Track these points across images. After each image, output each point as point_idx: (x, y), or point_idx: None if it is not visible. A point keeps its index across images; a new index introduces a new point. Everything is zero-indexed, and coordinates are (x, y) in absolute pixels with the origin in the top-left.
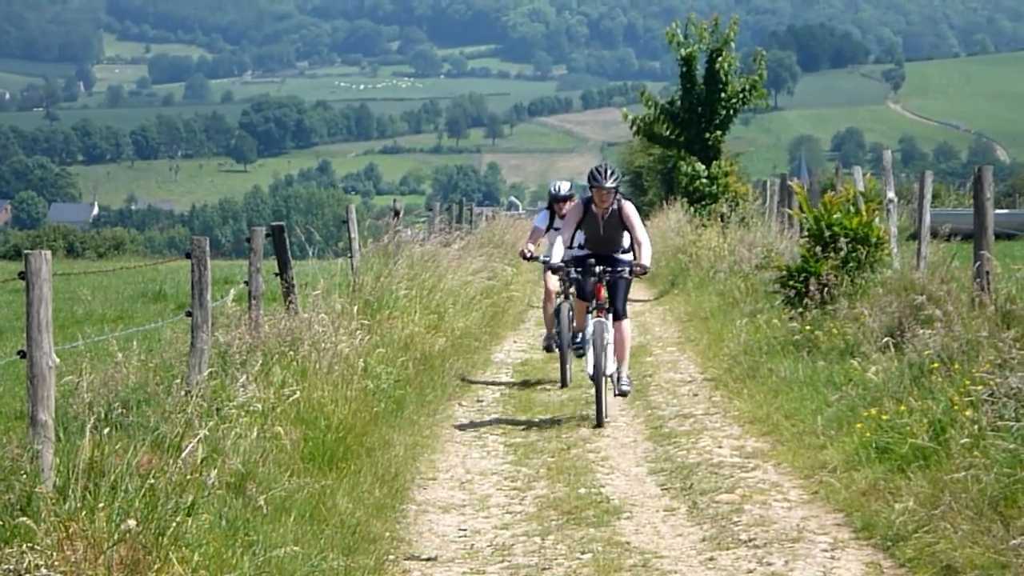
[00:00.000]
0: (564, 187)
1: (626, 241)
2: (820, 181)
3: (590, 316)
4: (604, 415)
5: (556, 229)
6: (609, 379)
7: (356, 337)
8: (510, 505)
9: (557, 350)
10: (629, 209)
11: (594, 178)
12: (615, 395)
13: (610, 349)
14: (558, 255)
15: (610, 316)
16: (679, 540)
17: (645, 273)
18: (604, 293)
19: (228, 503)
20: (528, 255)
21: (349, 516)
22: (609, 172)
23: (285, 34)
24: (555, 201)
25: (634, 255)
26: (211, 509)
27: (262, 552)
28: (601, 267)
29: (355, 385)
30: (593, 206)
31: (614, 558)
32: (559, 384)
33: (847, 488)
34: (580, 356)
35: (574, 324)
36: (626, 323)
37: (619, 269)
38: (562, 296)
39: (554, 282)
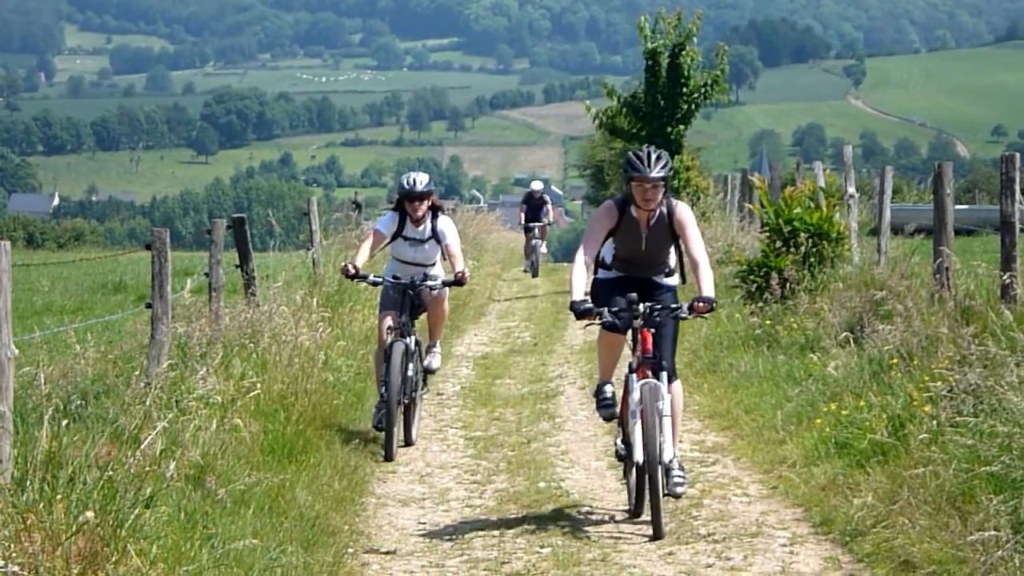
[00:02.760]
0: (420, 181)
1: (671, 258)
2: (781, 176)
3: (634, 376)
4: (663, 524)
5: (406, 238)
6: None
7: (317, 330)
8: (470, 499)
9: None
10: (683, 213)
11: (632, 166)
12: (663, 495)
13: (667, 424)
14: (580, 285)
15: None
16: (638, 534)
17: (712, 311)
18: (651, 342)
19: (187, 495)
20: (351, 272)
21: (308, 509)
22: (655, 157)
23: (247, 26)
24: (407, 199)
25: (683, 278)
26: (170, 501)
27: (221, 545)
28: (648, 305)
29: (315, 378)
30: (632, 209)
31: (573, 552)
32: (383, 457)
33: (806, 483)
34: (608, 419)
35: (600, 372)
36: (677, 385)
37: (673, 307)
38: (395, 331)
39: (385, 323)
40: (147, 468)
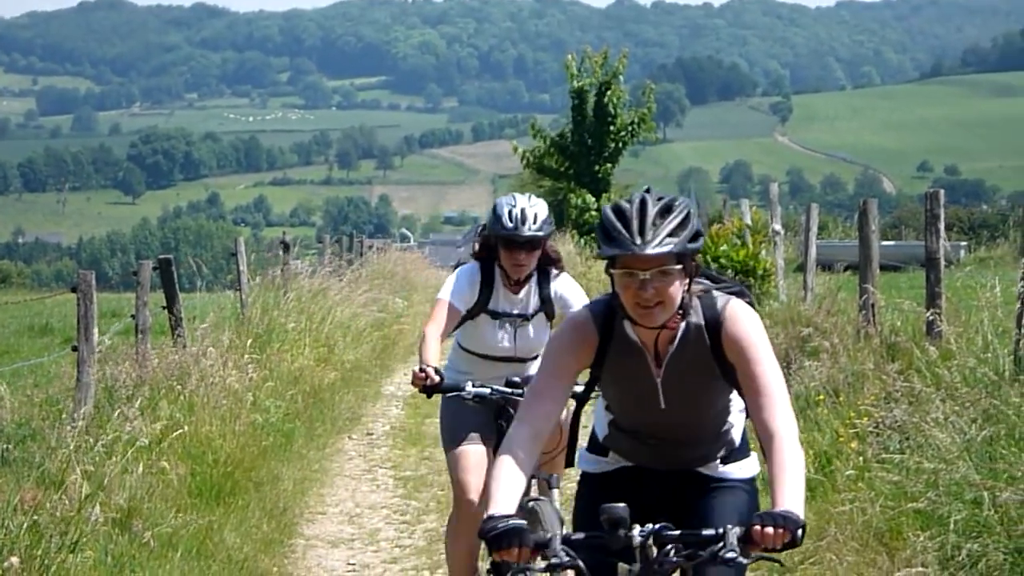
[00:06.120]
0: (536, 215)
1: (735, 424)
2: (708, 213)
3: None
4: None
5: (496, 314)
6: None
7: (245, 371)
8: (399, 539)
9: None
10: (742, 324)
11: (608, 235)
12: None
13: None
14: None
15: None
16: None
17: (793, 545)
18: None
19: (113, 539)
20: (433, 381)
21: (237, 551)
22: (652, 212)
23: (173, 66)
24: (505, 246)
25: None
26: (96, 545)
27: None
28: (651, 528)
29: (243, 419)
30: (627, 326)
31: None
32: None
33: None
34: None
35: None
36: None
37: (709, 536)
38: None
39: (476, 469)
40: (72, 512)
